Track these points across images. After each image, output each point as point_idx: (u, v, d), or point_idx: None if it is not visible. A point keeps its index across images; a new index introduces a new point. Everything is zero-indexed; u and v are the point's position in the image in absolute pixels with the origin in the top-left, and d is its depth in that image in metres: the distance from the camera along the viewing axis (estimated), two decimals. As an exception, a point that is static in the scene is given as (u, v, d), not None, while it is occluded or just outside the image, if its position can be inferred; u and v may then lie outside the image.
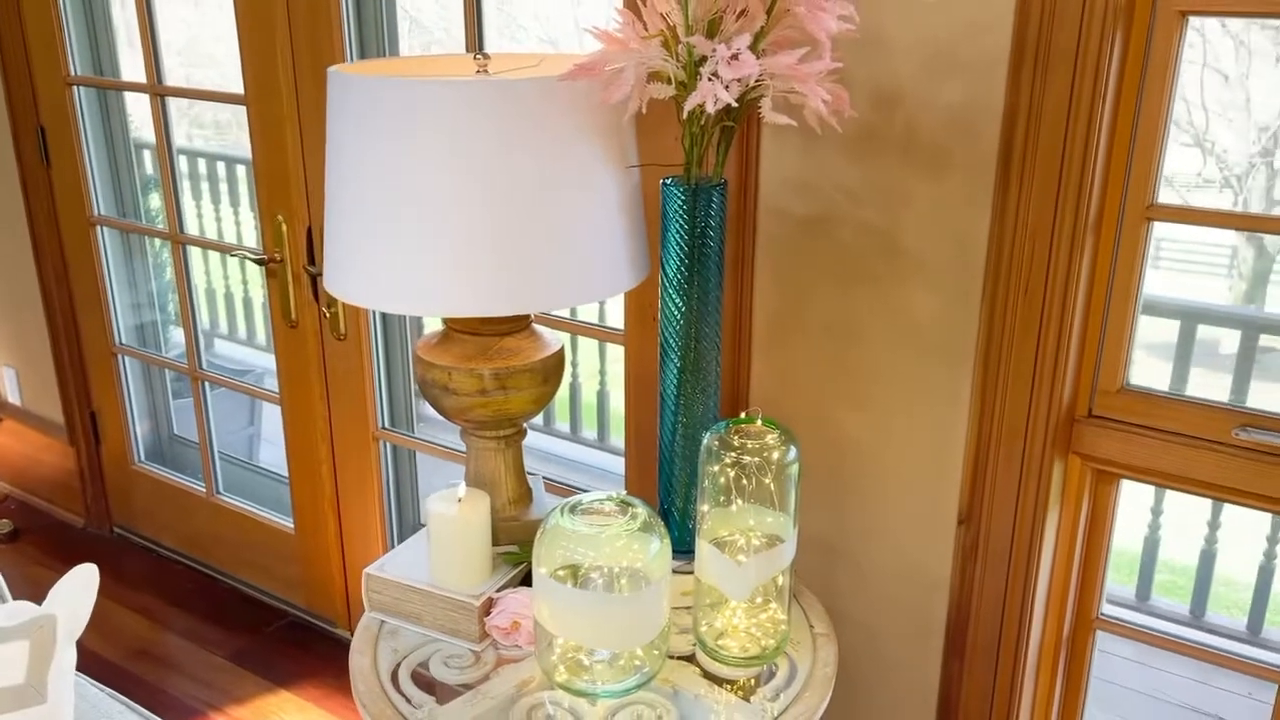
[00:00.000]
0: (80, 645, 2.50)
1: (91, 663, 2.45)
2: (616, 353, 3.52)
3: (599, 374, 3.88)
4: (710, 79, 1.15)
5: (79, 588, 1.28)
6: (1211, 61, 7.23)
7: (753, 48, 1.17)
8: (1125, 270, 1.41)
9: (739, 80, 1.15)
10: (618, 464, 1.94)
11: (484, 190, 1.20)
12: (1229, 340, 3.31)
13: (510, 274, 1.24)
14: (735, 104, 1.17)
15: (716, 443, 1.27)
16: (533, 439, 3.86)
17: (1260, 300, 6.81)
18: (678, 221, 1.31)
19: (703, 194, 1.30)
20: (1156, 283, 6.76)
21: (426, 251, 1.23)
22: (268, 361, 2.74)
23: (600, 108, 1.24)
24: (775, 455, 1.25)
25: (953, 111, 1.41)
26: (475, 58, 1.33)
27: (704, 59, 1.17)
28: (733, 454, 1.25)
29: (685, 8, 1.17)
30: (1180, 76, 1.36)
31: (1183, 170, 7.81)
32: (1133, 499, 3.04)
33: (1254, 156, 7.49)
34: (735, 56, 1.14)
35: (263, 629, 2.61)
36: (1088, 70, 1.30)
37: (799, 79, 1.18)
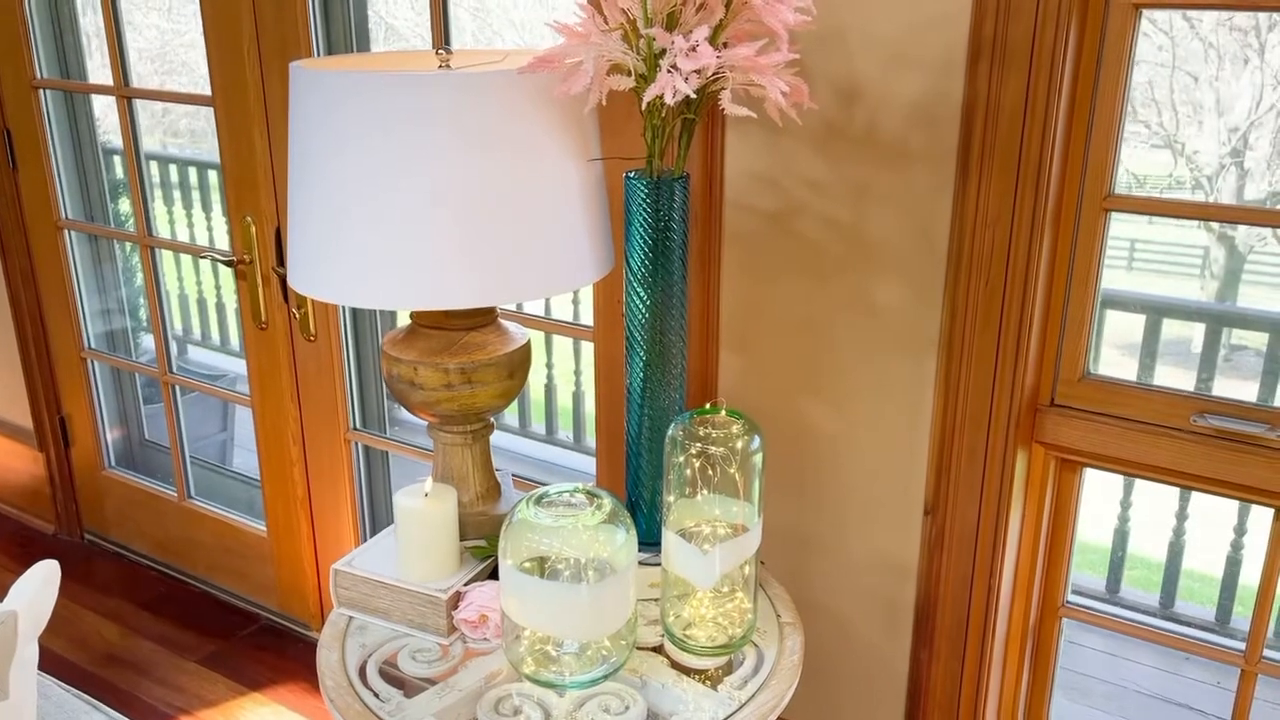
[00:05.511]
0: (51, 651, 2.49)
1: (62, 668, 2.44)
2: (591, 354, 3.52)
3: (574, 374, 3.88)
4: (669, 71, 1.16)
5: (40, 584, 1.28)
6: (1180, 63, 7.31)
7: (711, 40, 1.18)
8: (1084, 261, 1.43)
9: (697, 72, 1.16)
10: (594, 465, 1.95)
11: (446, 183, 1.21)
12: (1198, 338, 3.36)
13: (473, 267, 1.24)
14: (694, 95, 1.18)
15: (681, 433, 1.27)
16: (508, 441, 3.87)
17: (1232, 298, 6.89)
18: (641, 214, 1.32)
19: (665, 187, 1.31)
20: (1130, 284, 6.82)
21: (389, 246, 1.23)
22: (241, 367, 2.74)
23: (562, 101, 1.24)
24: (740, 445, 1.26)
25: (913, 104, 1.43)
26: (438, 53, 1.34)
27: (663, 51, 1.18)
28: (698, 444, 1.26)
29: (644, 1, 1.17)
30: (1135, 69, 1.38)
31: (1154, 172, 7.90)
32: (1102, 493, 3.08)
33: (1224, 157, 7.58)
34: (694, 48, 1.15)
35: (236, 633, 2.59)
36: (1043, 63, 1.32)
37: (757, 71, 1.19)
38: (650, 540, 1.43)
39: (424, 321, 1.42)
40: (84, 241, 2.77)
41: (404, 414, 3.20)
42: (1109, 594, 3.30)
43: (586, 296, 3.71)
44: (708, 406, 1.30)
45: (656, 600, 1.39)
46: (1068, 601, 1.62)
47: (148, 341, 3.06)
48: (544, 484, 1.30)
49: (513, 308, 2.03)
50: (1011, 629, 1.62)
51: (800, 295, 1.60)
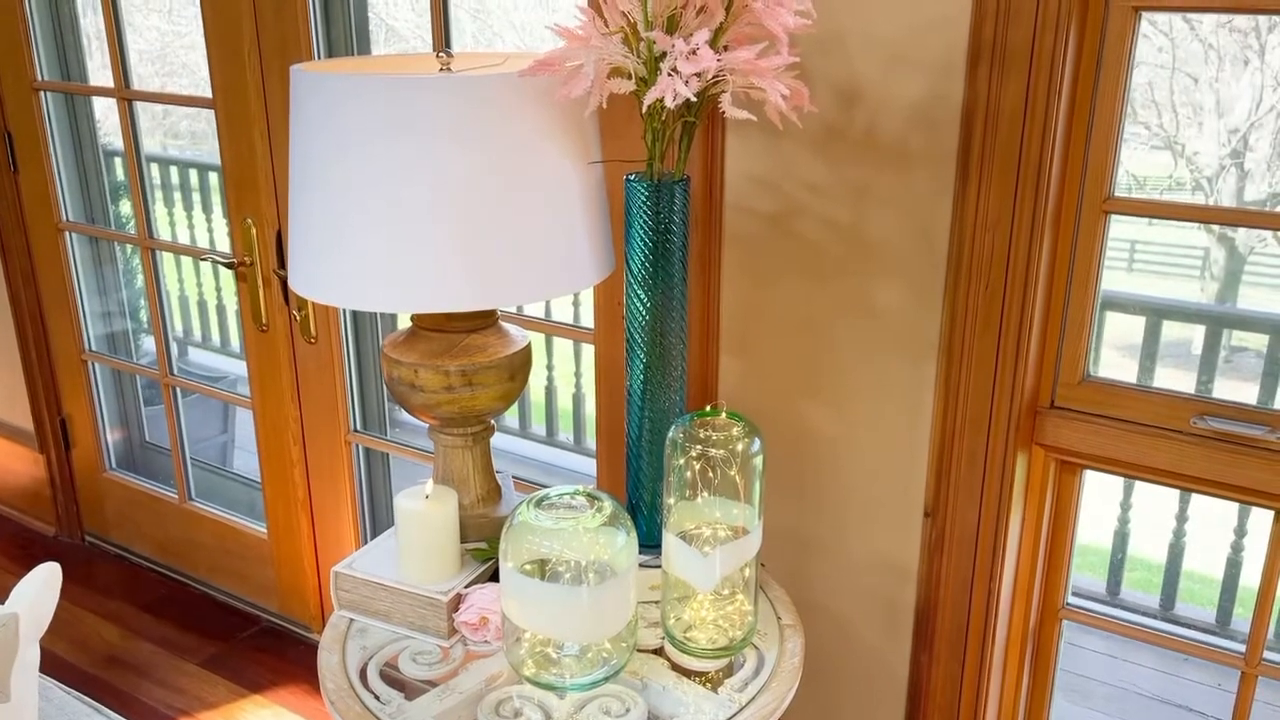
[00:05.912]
0: (52, 653, 2.49)
1: (63, 670, 2.44)
2: (593, 357, 3.52)
3: (574, 376, 3.88)
4: (670, 74, 1.16)
5: (41, 586, 1.28)
6: (1180, 65, 7.31)
7: (712, 43, 1.18)
8: (1084, 263, 1.43)
9: (698, 75, 1.16)
10: (594, 467, 1.95)
11: (447, 186, 1.21)
12: (1199, 340, 3.36)
13: (474, 269, 1.24)
14: (694, 99, 1.18)
15: (681, 435, 1.28)
16: (509, 442, 3.87)
17: (1232, 299, 6.89)
18: (641, 217, 1.32)
19: (665, 190, 1.31)
20: (1130, 286, 6.82)
21: (390, 248, 1.23)
22: (242, 369, 2.75)
23: (563, 104, 1.24)
24: (740, 447, 1.26)
25: (913, 107, 1.43)
26: (438, 55, 1.34)
27: (664, 54, 1.18)
28: (698, 447, 1.26)
29: (645, 4, 1.18)
30: (1135, 71, 1.38)
31: (1154, 174, 7.90)
32: (1102, 495, 3.08)
33: (1224, 158, 7.58)
34: (694, 52, 1.15)
35: (236, 635, 2.59)
36: (1043, 66, 1.32)
37: (757, 74, 1.19)
38: (651, 543, 1.43)
39: (425, 324, 1.42)
40: (85, 243, 2.77)
41: (404, 416, 3.20)
42: (1109, 596, 3.30)
43: (587, 299, 3.72)
44: (708, 409, 1.30)
45: (657, 603, 1.39)
46: (1068, 604, 1.62)
47: (148, 343, 3.06)
48: (544, 486, 1.30)
49: (513, 310, 2.04)
50: (1012, 631, 1.62)
51: (800, 297, 1.60)
